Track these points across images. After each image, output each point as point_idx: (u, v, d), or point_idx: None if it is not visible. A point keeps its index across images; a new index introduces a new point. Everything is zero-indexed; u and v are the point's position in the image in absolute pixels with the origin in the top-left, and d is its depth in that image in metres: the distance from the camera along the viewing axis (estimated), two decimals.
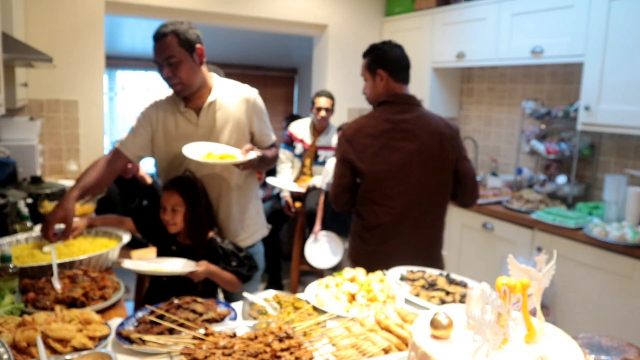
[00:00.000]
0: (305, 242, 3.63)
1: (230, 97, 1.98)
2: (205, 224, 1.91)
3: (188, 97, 1.94)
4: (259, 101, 2.05)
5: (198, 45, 1.88)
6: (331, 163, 3.62)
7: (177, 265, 1.73)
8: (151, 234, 2.02)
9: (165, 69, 1.85)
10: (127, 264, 1.68)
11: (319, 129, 3.94)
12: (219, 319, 1.37)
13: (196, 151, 1.84)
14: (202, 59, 1.91)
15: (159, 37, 1.82)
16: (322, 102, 3.82)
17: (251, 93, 2.02)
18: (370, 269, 1.69)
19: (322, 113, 3.82)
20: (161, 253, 1.95)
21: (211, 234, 1.92)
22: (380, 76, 2.04)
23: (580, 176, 3.27)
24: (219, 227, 2.01)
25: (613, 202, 2.78)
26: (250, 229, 2.12)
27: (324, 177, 3.63)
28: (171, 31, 1.82)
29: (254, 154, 1.87)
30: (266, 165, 2.10)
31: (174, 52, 1.82)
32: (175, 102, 1.97)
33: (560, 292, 2.79)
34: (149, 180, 3.57)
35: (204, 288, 1.84)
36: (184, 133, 1.95)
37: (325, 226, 3.57)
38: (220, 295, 1.98)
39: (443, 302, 1.52)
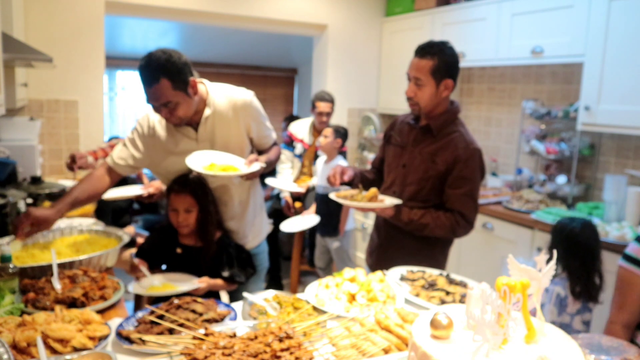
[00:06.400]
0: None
1: (226, 105, 1.89)
2: (214, 224, 1.92)
3: None
4: (255, 104, 1.95)
5: (191, 79, 1.75)
6: (322, 163, 3.63)
7: (181, 284, 1.75)
8: (154, 242, 1.97)
9: (162, 111, 1.75)
10: (135, 289, 1.72)
11: (319, 129, 3.94)
12: (219, 319, 1.37)
13: (199, 161, 1.80)
14: (195, 90, 1.79)
15: (150, 83, 1.68)
16: (324, 107, 3.82)
17: (246, 97, 1.91)
18: None
19: (324, 118, 3.83)
20: (166, 257, 1.93)
21: (218, 234, 1.93)
22: (446, 86, 1.86)
23: (580, 176, 3.27)
24: (226, 230, 2.01)
25: (613, 202, 2.78)
26: (255, 228, 2.12)
27: (319, 178, 3.64)
28: (162, 74, 1.67)
29: (257, 166, 1.82)
30: (271, 167, 2.06)
31: (170, 97, 1.71)
32: None
33: None
34: (145, 181, 3.55)
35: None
36: (185, 149, 1.87)
37: (319, 228, 3.59)
38: (225, 297, 1.98)
39: (443, 302, 1.52)
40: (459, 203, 1.88)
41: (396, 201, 1.88)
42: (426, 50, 1.83)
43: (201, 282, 1.77)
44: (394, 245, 2.03)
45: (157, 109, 1.76)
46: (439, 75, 1.84)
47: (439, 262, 2.02)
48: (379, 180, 2.18)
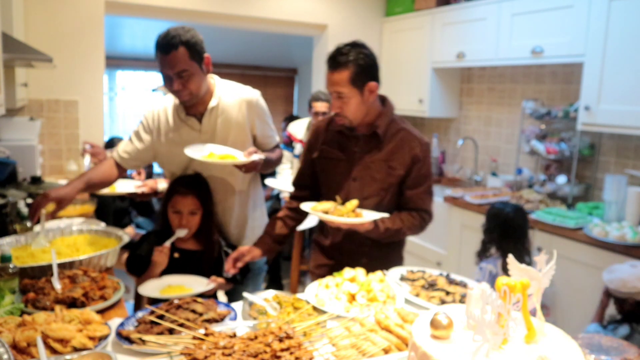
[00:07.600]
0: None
1: (232, 100, 1.93)
2: (214, 227, 1.91)
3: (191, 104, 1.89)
4: (261, 103, 1.99)
5: (206, 55, 1.82)
6: None
7: (195, 285, 1.72)
8: (149, 248, 1.91)
9: (175, 82, 1.77)
10: (145, 291, 1.68)
11: None
12: (219, 319, 1.37)
13: (198, 152, 1.81)
14: (209, 67, 1.85)
15: (169, 49, 1.72)
16: (321, 106, 3.82)
17: (253, 95, 1.95)
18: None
19: (321, 118, 3.83)
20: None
21: (215, 237, 1.92)
22: (370, 89, 1.70)
23: (580, 176, 3.27)
24: (223, 231, 2.00)
25: (613, 202, 2.78)
26: (254, 231, 2.10)
27: None
28: (181, 42, 1.72)
29: (256, 157, 1.82)
30: (271, 167, 2.06)
31: (186, 66, 1.75)
32: (176, 110, 1.93)
33: (560, 292, 2.79)
34: (142, 179, 3.55)
35: None
36: (187, 140, 1.89)
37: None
38: (223, 298, 1.98)
39: (443, 302, 1.52)
40: (421, 201, 1.82)
41: (376, 215, 1.71)
42: (337, 61, 1.67)
43: (213, 282, 1.74)
44: (356, 257, 1.85)
45: (169, 82, 1.78)
46: (360, 82, 1.68)
47: (398, 263, 1.96)
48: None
